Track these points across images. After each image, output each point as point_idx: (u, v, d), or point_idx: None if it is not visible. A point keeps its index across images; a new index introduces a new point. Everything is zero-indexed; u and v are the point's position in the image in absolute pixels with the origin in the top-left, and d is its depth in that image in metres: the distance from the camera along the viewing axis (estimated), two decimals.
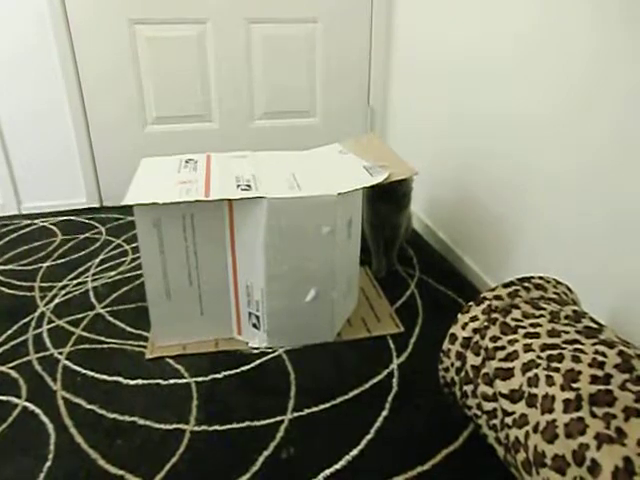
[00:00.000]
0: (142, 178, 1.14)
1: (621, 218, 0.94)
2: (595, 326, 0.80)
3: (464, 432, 0.95)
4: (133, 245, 1.73)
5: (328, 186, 1.10)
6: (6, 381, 1.09)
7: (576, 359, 0.71)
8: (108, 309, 1.36)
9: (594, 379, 0.67)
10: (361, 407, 1.01)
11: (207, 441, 0.93)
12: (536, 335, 0.78)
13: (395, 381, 1.09)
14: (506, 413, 0.76)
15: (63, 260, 1.63)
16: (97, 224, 1.93)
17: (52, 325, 1.28)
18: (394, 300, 1.39)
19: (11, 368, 1.13)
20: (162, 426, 0.97)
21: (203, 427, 0.96)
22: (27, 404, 1.02)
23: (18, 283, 1.49)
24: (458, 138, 1.54)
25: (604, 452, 0.61)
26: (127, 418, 0.98)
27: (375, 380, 1.09)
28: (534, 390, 0.72)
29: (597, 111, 0.98)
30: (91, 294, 1.43)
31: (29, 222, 1.94)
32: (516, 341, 0.80)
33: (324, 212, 1.07)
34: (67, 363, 1.14)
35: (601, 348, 0.71)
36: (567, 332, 0.77)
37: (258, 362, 1.15)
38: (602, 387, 0.66)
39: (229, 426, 0.97)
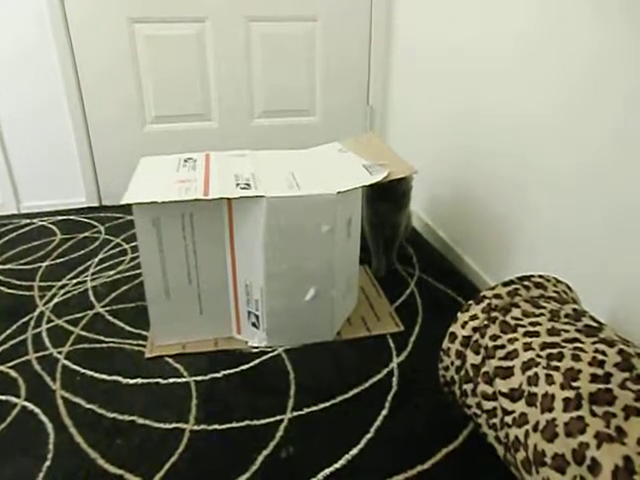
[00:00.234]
0: (141, 177, 1.14)
1: (621, 217, 0.94)
2: (595, 325, 0.80)
3: (464, 431, 0.95)
4: (132, 244, 1.73)
5: (327, 185, 1.09)
6: (5, 380, 1.09)
7: (576, 358, 0.71)
8: (107, 308, 1.35)
9: (594, 378, 0.67)
10: (361, 406, 1.01)
11: (207, 440, 0.93)
12: (536, 334, 0.78)
13: (395, 380, 1.08)
14: (506, 412, 0.76)
15: (62, 259, 1.63)
16: (96, 223, 1.92)
17: (51, 324, 1.28)
18: (394, 299, 1.39)
19: (10, 367, 1.13)
20: (161, 425, 0.96)
21: (202, 426, 0.96)
22: (26, 404, 1.02)
23: (17, 282, 1.49)
24: (458, 137, 1.54)
25: (604, 451, 0.60)
26: (126, 417, 0.98)
27: (375, 379, 1.09)
28: (534, 389, 0.72)
29: (597, 110, 0.97)
30: (90, 293, 1.43)
31: (28, 221, 1.94)
32: (516, 340, 0.79)
33: (323, 211, 1.07)
34: (66, 362, 1.14)
35: (601, 347, 0.71)
36: (567, 331, 0.77)
37: (257, 361, 1.15)
38: (602, 386, 0.66)
39: (229, 425, 0.96)
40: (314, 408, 1.01)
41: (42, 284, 1.48)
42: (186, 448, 0.92)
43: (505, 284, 0.90)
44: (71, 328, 1.27)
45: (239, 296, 1.17)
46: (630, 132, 0.90)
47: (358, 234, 1.27)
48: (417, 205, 1.85)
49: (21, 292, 1.44)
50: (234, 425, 0.97)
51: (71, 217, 1.98)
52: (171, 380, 1.09)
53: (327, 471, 0.87)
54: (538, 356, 0.75)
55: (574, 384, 0.68)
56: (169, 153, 1.31)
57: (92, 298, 1.40)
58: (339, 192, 1.06)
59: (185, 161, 1.24)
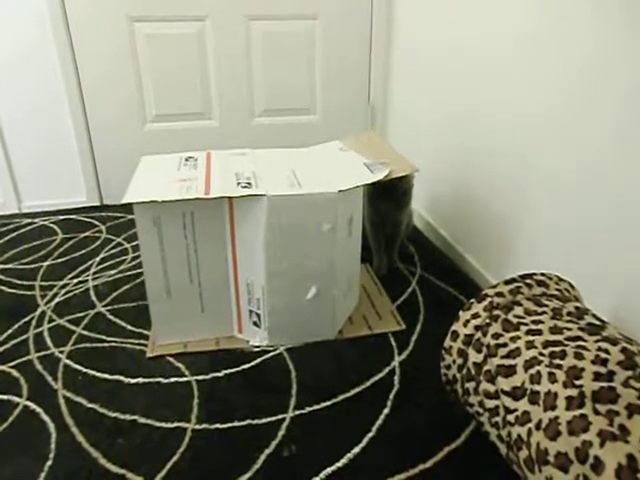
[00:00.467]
0: (142, 176, 1.14)
1: (621, 216, 0.94)
2: (598, 323, 0.79)
3: (466, 430, 0.95)
4: (133, 243, 1.73)
5: (329, 183, 1.09)
6: (7, 380, 1.09)
7: (579, 356, 0.71)
8: (109, 308, 1.35)
9: (597, 376, 0.67)
10: (362, 405, 1.01)
11: (208, 440, 0.93)
12: (538, 332, 0.78)
13: (397, 379, 1.08)
14: (508, 410, 0.76)
15: (63, 259, 1.63)
16: (97, 222, 1.92)
17: (53, 324, 1.28)
18: (395, 297, 1.39)
19: (12, 367, 1.13)
20: (163, 425, 0.96)
21: (204, 425, 0.96)
22: (28, 403, 1.02)
23: (19, 282, 1.49)
24: (458, 136, 1.54)
25: (607, 449, 0.60)
26: (128, 417, 0.98)
27: (376, 378, 1.09)
28: (536, 387, 0.72)
29: (597, 110, 0.97)
30: (92, 293, 1.43)
31: (29, 221, 1.94)
32: (518, 338, 0.79)
33: (325, 209, 1.07)
34: (68, 362, 1.14)
35: (604, 345, 0.71)
36: (569, 329, 0.77)
37: (259, 360, 1.15)
38: (605, 384, 0.66)
39: (230, 424, 0.96)
40: (316, 407, 1.01)
41: (43, 284, 1.48)
42: (188, 447, 0.91)
43: (507, 282, 0.90)
44: (72, 327, 1.27)
45: (240, 295, 1.17)
46: (630, 131, 0.90)
47: (359, 233, 1.26)
48: (418, 203, 1.85)
49: (22, 292, 1.44)
50: (236, 424, 0.96)
51: (72, 216, 1.98)
52: (172, 379, 1.09)
53: (329, 470, 0.87)
54: (541, 354, 0.74)
55: (577, 382, 0.68)
56: (170, 152, 1.31)
57: (93, 297, 1.40)
58: (340, 191, 1.06)
59: (186, 160, 1.24)
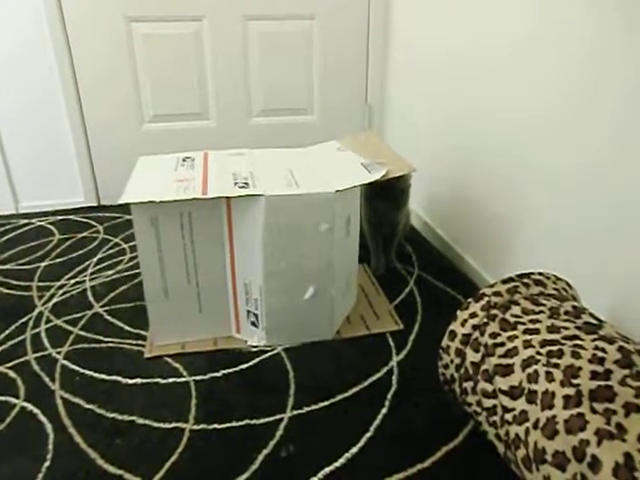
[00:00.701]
0: (139, 176, 1.14)
1: (621, 216, 0.94)
2: (595, 322, 0.80)
3: (464, 429, 0.95)
4: (131, 244, 1.73)
5: (326, 183, 1.09)
6: (4, 381, 1.08)
7: (576, 355, 0.71)
8: (106, 308, 1.35)
9: (594, 375, 0.67)
10: (360, 405, 1.01)
11: (206, 440, 0.93)
12: (536, 331, 0.78)
13: (394, 378, 1.08)
14: (506, 410, 0.76)
15: (61, 259, 1.63)
16: (95, 223, 1.92)
17: (50, 325, 1.28)
18: (393, 297, 1.39)
19: (9, 368, 1.12)
20: (161, 425, 0.96)
21: (202, 426, 0.96)
22: (25, 404, 1.02)
23: (16, 283, 1.49)
24: (456, 135, 1.54)
25: (604, 448, 0.60)
26: (126, 417, 0.98)
27: (374, 378, 1.09)
28: (534, 386, 0.72)
29: (596, 110, 0.97)
30: (89, 293, 1.43)
31: (26, 221, 1.94)
32: (516, 337, 0.79)
33: (322, 209, 1.07)
34: (65, 363, 1.14)
35: (601, 344, 0.71)
36: (567, 328, 0.77)
37: (257, 360, 1.14)
38: (602, 383, 0.66)
39: (228, 425, 0.96)
40: (314, 407, 1.01)
41: (41, 284, 1.47)
42: (186, 448, 0.91)
43: (504, 282, 0.90)
44: (70, 328, 1.27)
45: (238, 295, 1.17)
46: (630, 131, 0.90)
47: (357, 232, 1.26)
48: (416, 203, 1.85)
49: (20, 292, 1.43)
50: (234, 424, 0.96)
51: (69, 217, 1.98)
52: (170, 380, 1.08)
53: (327, 470, 0.87)
54: (538, 353, 0.75)
55: (574, 381, 0.68)
56: (167, 152, 1.31)
57: (91, 298, 1.40)
58: (338, 190, 1.06)
59: (183, 160, 1.24)
